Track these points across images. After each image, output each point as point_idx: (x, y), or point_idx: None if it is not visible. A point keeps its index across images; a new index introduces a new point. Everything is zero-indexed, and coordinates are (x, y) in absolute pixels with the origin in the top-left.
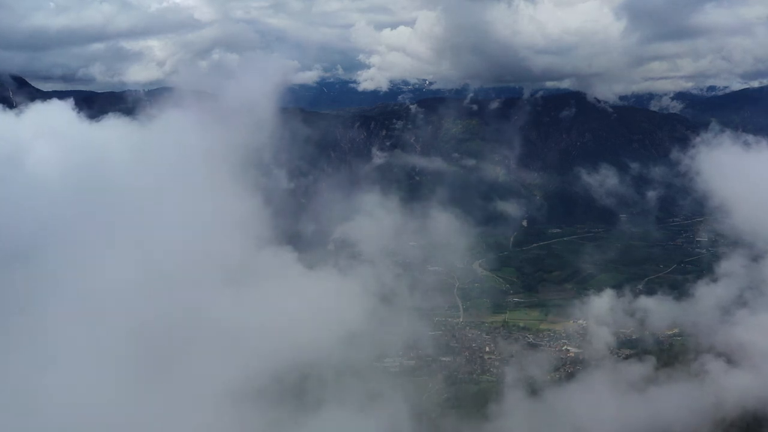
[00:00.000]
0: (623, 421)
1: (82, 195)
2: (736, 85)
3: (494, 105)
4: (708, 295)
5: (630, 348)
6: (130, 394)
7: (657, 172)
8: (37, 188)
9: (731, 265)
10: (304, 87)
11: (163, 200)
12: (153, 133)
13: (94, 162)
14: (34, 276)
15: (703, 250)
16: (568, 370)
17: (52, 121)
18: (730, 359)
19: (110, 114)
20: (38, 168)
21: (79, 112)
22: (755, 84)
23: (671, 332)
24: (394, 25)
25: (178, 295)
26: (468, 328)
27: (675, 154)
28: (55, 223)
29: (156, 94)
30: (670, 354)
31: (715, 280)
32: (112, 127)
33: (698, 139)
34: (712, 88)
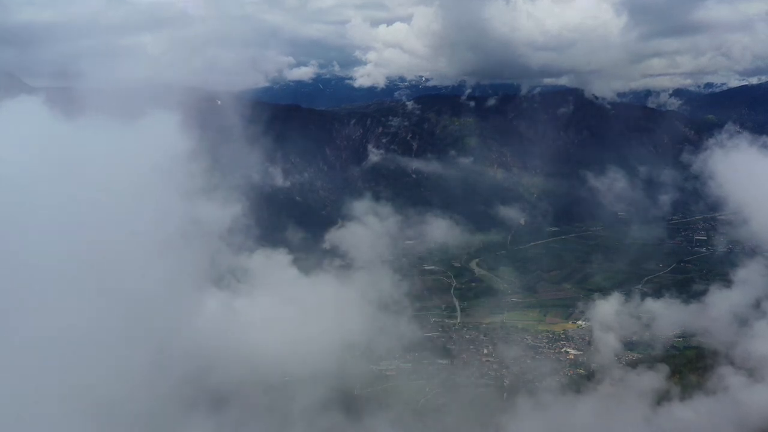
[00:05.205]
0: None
1: (50, 197)
2: (734, 82)
3: (491, 102)
4: (718, 300)
5: (632, 351)
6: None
7: (656, 170)
8: None
9: (745, 271)
10: (300, 83)
11: (144, 203)
12: (137, 132)
13: (64, 162)
14: None
15: (703, 249)
16: (568, 373)
17: (20, 119)
18: (752, 373)
19: (99, 112)
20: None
21: (53, 108)
22: (754, 81)
23: (673, 334)
24: (390, 22)
25: (164, 303)
26: (465, 329)
27: (674, 151)
28: (19, 227)
29: (148, 91)
30: (675, 359)
31: (728, 285)
32: (91, 125)
33: (696, 135)
34: (709, 85)
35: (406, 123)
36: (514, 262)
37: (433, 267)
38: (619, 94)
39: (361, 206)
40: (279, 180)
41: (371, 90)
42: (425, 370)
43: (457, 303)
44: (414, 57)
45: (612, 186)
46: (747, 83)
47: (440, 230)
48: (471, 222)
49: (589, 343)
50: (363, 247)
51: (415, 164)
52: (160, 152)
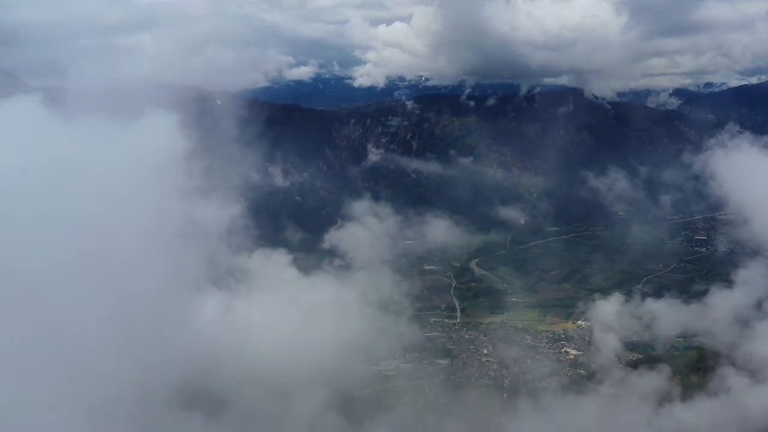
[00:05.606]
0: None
1: (47, 196)
2: (734, 82)
3: (491, 102)
4: (719, 300)
5: (632, 351)
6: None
7: (656, 169)
8: None
9: (746, 271)
10: (299, 83)
11: (143, 203)
12: (136, 131)
13: (61, 161)
14: None
15: (703, 249)
16: (569, 373)
17: (18, 118)
18: (754, 373)
19: (97, 111)
20: None
21: (51, 108)
22: (754, 81)
23: (674, 335)
24: (389, 21)
25: (163, 303)
26: (465, 329)
27: (674, 151)
28: (17, 227)
29: (147, 90)
30: (676, 360)
31: (729, 286)
32: (89, 124)
33: (697, 135)
34: (709, 84)
35: (405, 123)
36: (514, 262)
37: (432, 267)
38: (619, 94)
39: (360, 206)
40: (279, 180)
41: (371, 90)
42: (425, 370)
43: (457, 303)
44: (414, 57)
45: (612, 186)
46: (747, 83)
47: (440, 230)
48: (471, 222)
49: (590, 343)
50: (363, 247)
51: (414, 164)
52: (159, 152)
